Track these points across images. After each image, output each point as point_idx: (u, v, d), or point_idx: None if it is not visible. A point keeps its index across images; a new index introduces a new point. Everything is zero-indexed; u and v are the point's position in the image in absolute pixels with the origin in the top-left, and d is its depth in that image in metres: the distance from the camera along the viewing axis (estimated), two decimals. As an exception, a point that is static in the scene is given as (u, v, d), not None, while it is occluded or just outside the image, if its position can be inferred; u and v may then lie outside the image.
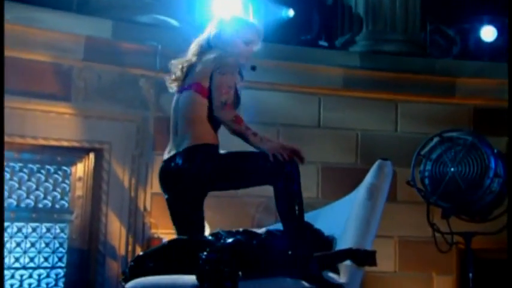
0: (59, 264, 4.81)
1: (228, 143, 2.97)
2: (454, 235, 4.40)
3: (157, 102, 4.96)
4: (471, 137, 4.36)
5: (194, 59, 3.04)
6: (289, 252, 2.67)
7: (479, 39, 6.22)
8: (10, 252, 4.66)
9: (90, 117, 4.80)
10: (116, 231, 4.77)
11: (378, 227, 2.95)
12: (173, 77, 3.08)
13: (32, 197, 4.78)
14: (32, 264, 4.74)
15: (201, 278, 2.52)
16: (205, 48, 3.05)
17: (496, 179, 4.26)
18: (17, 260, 4.69)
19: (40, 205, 4.79)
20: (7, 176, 4.65)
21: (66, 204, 4.86)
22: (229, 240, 2.69)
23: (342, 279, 2.77)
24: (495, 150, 4.31)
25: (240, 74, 2.97)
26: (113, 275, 4.70)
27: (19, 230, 4.73)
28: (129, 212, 4.81)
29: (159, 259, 2.75)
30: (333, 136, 5.46)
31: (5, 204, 4.55)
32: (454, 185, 4.33)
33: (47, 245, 4.80)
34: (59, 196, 4.85)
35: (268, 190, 2.84)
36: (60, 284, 4.79)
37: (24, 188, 4.76)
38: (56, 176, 4.85)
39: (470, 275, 4.40)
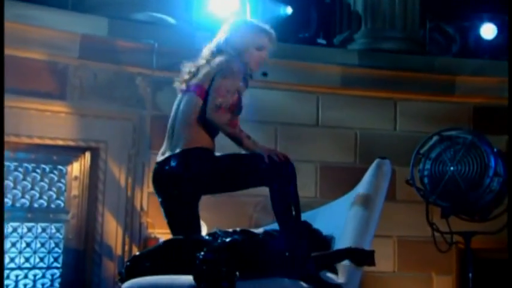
0: (55, 264, 4.80)
1: (229, 144, 2.96)
2: (453, 235, 4.40)
3: (153, 101, 4.96)
4: (471, 135, 4.36)
5: (203, 62, 3.03)
6: (287, 254, 2.67)
7: (479, 37, 6.21)
8: (5, 252, 4.64)
9: (86, 116, 4.80)
10: (112, 231, 4.77)
11: (377, 226, 2.94)
12: (181, 79, 3.07)
13: (27, 196, 4.77)
14: (27, 265, 4.72)
15: (198, 278, 2.52)
16: (215, 52, 3.03)
17: (496, 178, 4.25)
18: (12, 260, 4.68)
19: (35, 205, 4.78)
20: (2, 175, 4.63)
21: (62, 204, 4.85)
22: (227, 240, 2.69)
23: (340, 279, 2.77)
24: (495, 149, 4.30)
25: (245, 81, 2.95)
26: (109, 275, 4.69)
27: (14, 230, 4.71)
28: (126, 211, 4.81)
29: (155, 259, 2.74)
30: (331, 135, 5.45)
31: (1, 204, 4.54)
32: (453, 184, 4.32)
33: (43, 245, 4.78)
34: (54, 196, 4.84)
35: (265, 189, 2.84)
36: (56, 284, 4.78)
37: (19, 187, 4.75)
38: (52, 175, 4.84)
39: (470, 274, 4.40)
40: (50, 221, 4.80)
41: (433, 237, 4.37)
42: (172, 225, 2.97)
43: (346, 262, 2.80)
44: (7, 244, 4.64)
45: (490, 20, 6.18)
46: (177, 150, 2.86)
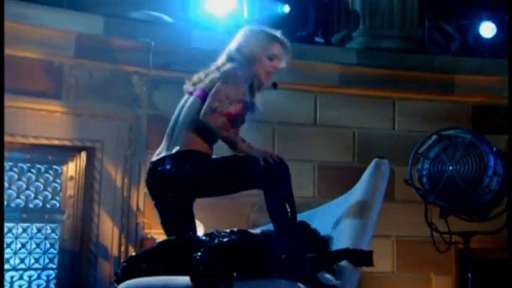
0: (50, 265, 4.79)
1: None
2: (452, 235, 4.38)
3: (150, 100, 4.95)
4: (470, 135, 4.34)
5: (213, 69, 3.02)
6: (283, 256, 2.66)
7: (478, 36, 6.20)
8: (0, 253, 4.62)
9: (82, 116, 4.79)
10: (108, 232, 4.76)
11: (375, 226, 2.93)
12: (190, 81, 3.06)
13: (22, 196, 4.76)
14: (22, 266, 4.71)
15: (195, 278, 2.51)
16: (226, 60, 3.02)
17: (495, 178, 4.24)
18: (7, 261, 4.65)
19: (31, 205, 4.77)
20: (-3, 175, 4.61)
21: (58, 204, 4.84)
22: (224, 240, 2.67)
23: (338, 280, 2.75)
24: (494, 149, 4.29)
25: (252, 90, 2.94)
26: (105, 276, 4.68)
27: (9, 230, 4.69)
28: (122, 212, 4.80)
29: (152, 260, 2.73)
30: (329, 134, 5.44)
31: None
32: (452, 183, 4.30)
33: (38, 245, 4.77)
34: (50, 196, 4.83)
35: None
36: (52, 285, 4.77)
37: (14, 187, 4.74)
38: (47, 175, 4.83)
39: (469, 275, 4.39)
40: (45, 222, 4.79)
41: (432, 237, 4.36)
42: (165, 227, 2.95)
43: (344, 263, 2.78)
44: (2, 245, 4.64)
45: (489, 19, 6.17)
46: (173, 151, 2.86)
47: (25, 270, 4.70)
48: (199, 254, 2.54)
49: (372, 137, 5.48)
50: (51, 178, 4.82)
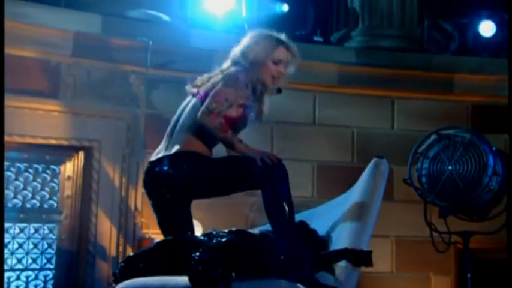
0: (48, 265, 4.78)
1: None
2: (451, 235, 4.38)
3: (148, 99, 4.95)
4: (469, 134, 4.34)
5: (217, 71, 3.01)
6: (282, 257, 2.65)
7: (477, 35, 6.19)
8: (-2, 253, 4.62)
9: (79, 115, 4.78)
10: (106, 232, 4.74)
11: (374, 226, 2.92)
12: (194, 83, 3.04)
13: (19, 196, 4.75)
14: (19, 266, 4.70)
15: (193, 278, 2.50)
16: (231, 64, 3.01)
17: (495, 177, 4.25)
18: (4, 261, 4.62)
19: (28, 205, 4.76)
20: (-6, 175, 4.60)
21: (55, 204, 4.83)
22: (222, 240, 2.66)
23: (337, 280, 2.75)
24: (493, 148, 4.30)
25: (254, 94, 2.93)
26: (103, 277, 4.67)
27: (6, 230, 4.67)
28: (120, 211, 4.79)
29: (150, 260, 2.72)
30: (328, 134, 5.43)
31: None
32: (451, 183, 4.31)
33: (35, 246, 4.76)
34: (47, 196, 4.82)
35: (261, 190, 2.82)
36: (49, 286, 4.76)
37: (11, 187, 4.72)
38: (44, 175, 4.82)
39: (469, 275, 4.39)
40: (42, 222, 4.78)
41: (431, 237, 4.36)
42: (162, 227, 2.95)
43: (343, 263, 2.77)
44: (-1, 245, 4.62)
45: (489, 18, 6.15)
46: (171, 152, 2.85)
47: (22, 270, 4.70)
48: (197, 254, 2.54)
49: (371, 137, 5.47)
50: (48, 178, 4.81)
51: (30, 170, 4.77)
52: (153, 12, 5.03)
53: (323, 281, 2.70)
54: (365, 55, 5.60)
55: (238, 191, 2.90)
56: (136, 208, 4.82)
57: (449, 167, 4.30)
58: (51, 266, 4.77)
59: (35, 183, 4.77)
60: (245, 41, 3.02)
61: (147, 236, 4.76)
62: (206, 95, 2.90)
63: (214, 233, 2.78)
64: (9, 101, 4.39)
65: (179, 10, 5.20)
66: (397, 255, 5.41)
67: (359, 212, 2.88)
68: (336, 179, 5.07)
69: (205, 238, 2.75)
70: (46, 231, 4.78)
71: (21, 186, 4.73)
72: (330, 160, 5.39)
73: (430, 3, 6.22)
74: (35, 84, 4.63)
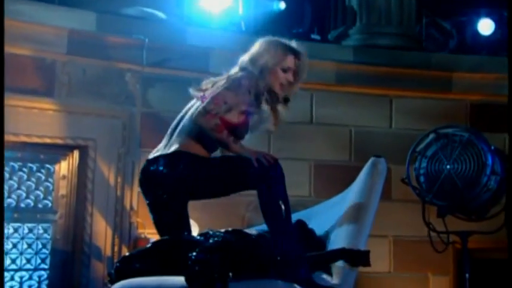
0: (42, 265, 4.76)
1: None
2: (450, 234, 4.38)
3: (143, 98, 4.93)
4: (468, 133, 4.34)
5: (224, 76, 2.99)
6: (278, 258, 2.65)
7: (476, 33, 6.20)
8: (-8, 253, 4.60)
9: (74, 113, 4.76)
10: (101, 231, 4.73)
11: (372, 226, 2.92)
12: (198, 88, 3.01)
13: (13, 196, 4.72)
14: (13, 266, 4.68)
15: (190, 278, 2.50)
16: (239, 70, 2.98)
17: (493, 177, 4.25)
18: (-2, 261, 4.62)
19: (22, 205, 4.74)
20: (-13, 174, 4.58)
21: (50, 204, 4.81)
22: (219, 240, 2.66)
23: (334, 280, 2.74)
24: (492, 147, 4.30)
25: (257, 101, 2.91)
26: (98, 277, 4.66)
27: (0, 230, 4.65)
28: (115, 211, 4.78)
29: (146, 260, 2.72)
30: (325, 132, 5.42)
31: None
32: (450, 182, 4.30)
33: (30, 246, 4.74)
34: (42, 195, 4.80)
35: (258, 189, 2.80)
36: (44, 286, 4.74)
37: (5, 186, 4.69)
38: (39, 174, 4.80)
39: (467, 275, 4.38)
40: (37, 221, 4.76)
41: (430, 237, 4.35)
42: (158, 227, 2.93)
43: (340, 263, 2.77)
44: (-7, 245, 4.61)
45: (488, 15, 6.17)
46: (169, 151, 2.85)
47: (16, 270, 4.68)
48: (194, 254, 2.53)
49: (368, 136, 5.47)
50: (43, 177, 4.80)
51: (24, 169, 4.75)
52: (149, 10, 5.03)
53: (320, 281, 2.69)
54: (363, 53, 5.60)
55: (235, 191, 2.89)
56: (131, 207, 4.81)
57: (448, 166, 4.30)
58: (46, 266, 4.75)
59: (29, 182, 4.75)
60: (254, 48, 3.00)
61: (142, 235, 4.74)
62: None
63: (210, 232, 2.78)
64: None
65: (175, 7, 5.21)
66: (395, 255, 5.41)
67: (356, 211, 2.88)
68: (333, 178, 5.06)
69: (202, 238, 2.74)
70: (40, 231, 4.76)
71: (16, 185, 4.71)
72: (328, 159, 5.39)
73: (428, 1, 6.23)
74: (29, 83, 4.61)
